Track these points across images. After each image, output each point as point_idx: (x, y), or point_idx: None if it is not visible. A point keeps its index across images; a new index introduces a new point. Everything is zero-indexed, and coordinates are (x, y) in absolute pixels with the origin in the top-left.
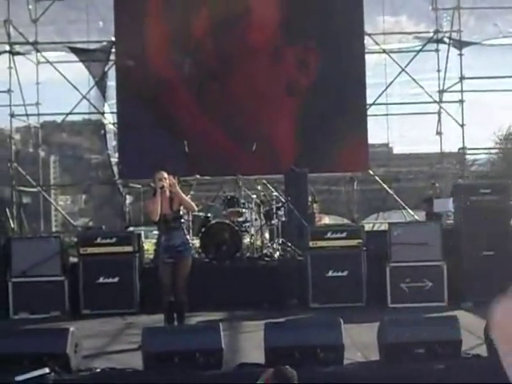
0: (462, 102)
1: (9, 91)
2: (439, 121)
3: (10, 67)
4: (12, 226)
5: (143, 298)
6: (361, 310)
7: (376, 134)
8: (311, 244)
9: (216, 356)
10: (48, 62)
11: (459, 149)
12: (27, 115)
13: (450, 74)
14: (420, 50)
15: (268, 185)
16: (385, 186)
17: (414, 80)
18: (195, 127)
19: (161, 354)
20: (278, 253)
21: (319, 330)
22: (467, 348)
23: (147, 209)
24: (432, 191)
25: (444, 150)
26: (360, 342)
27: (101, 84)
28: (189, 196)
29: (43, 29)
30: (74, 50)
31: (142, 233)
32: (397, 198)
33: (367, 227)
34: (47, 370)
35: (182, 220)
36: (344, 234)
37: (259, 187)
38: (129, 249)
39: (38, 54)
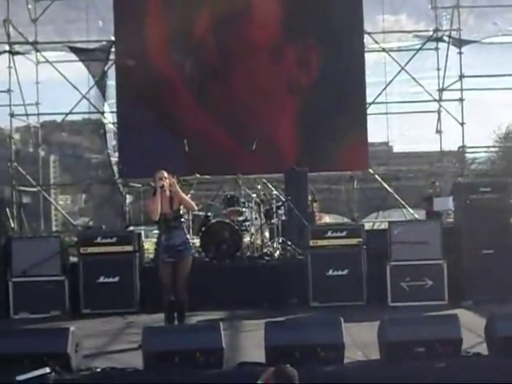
0: (461, 100)
1: (8, 91)
2: (439, 119)
3: (9, 67)
4: (12, 225)
5: (143, 297)
6: (361, 308)
7: (376, 132)
8: (311, 243)
9: (216, 355)
10: (48, 61)
11: (459, 147)
12: (27, 115)
13: (450, 73)
14: (420, 49)
15: (268, 184)
16: (385, 185)
17: (413, 79)
18: (195, 126)
19: (161, 354)
20: (278, 252)
21: (320, 328)
22: (468, 346)
23: (147, 208)
24: (432, 190)
25: (444, 149)
26: (360, 340)
27: (100, 83)
28: (189, 195)
29: (43, 28)
30: (74, 50)
31: (142, 232)
32: (397, 196)
33: (367, 226)
34: (48, 370)
35: (182, 219)
36: (344, 233)
37: (259, 186)
38: (129, 248)
39: (38, 53)
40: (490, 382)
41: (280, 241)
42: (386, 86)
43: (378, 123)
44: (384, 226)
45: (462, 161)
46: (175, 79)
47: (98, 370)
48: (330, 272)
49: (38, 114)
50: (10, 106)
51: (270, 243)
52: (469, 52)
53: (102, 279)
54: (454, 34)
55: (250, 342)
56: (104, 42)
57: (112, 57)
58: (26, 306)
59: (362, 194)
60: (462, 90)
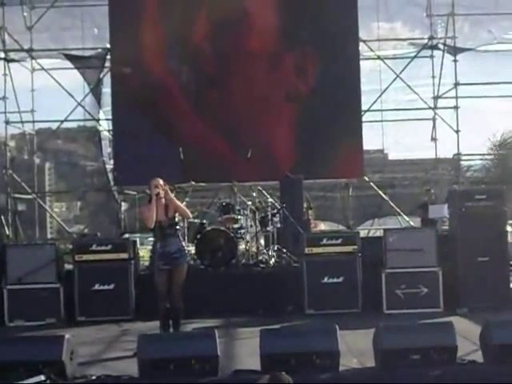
0: (456, 108)
1: (4, 98)
2: (434, 127)
3: (4, 74)
4: (7, 233)
5: (139, 304)
6: (356, 316)
7: (371, 140)
8: (307, 250)
9: (212, 363)
10: (43, 69)
11: (454, 155)
12: (22, 122)
13: (445, 80)
14: (415, 57)
15: (263, 191)
16: (380, 193)
17: (408, 86)
18: (191, 133)
19: (156, 361)
20: (273, 259)
21: (315, 336)
22: (463, 354)
23: (143, 216)
24: (427, 197)
25: (439, 156)
26: (356, 348)
27: (96, 91)
28: (184, 203)
29: (38, 36)
30: (69, 57)
31: (138, 240)
32: (392, 204)
33: (362, 233)
34: (43, 378)
35: (178, 227)
36: (339, 241)
37: (254, 194)
38: (124, 256)
39: (33, 61)
40: None
41: (275, 248)
42: (381, 93)
43: (373, 131)
44: (379, 233)
45: (457, 168)
46: (171, 86)
47: (93, 377)
48: (326, 279)
49: (34, 122)
50: (5, 113)
51: (265, 251)
52: (464, 60)
53: (97, 287)
54: (448, 41)
55: (246, 349)
56: (99, 50)
57: (107, 64)
58: (21, 313)
59: (357, 201)
60: (456, 97)
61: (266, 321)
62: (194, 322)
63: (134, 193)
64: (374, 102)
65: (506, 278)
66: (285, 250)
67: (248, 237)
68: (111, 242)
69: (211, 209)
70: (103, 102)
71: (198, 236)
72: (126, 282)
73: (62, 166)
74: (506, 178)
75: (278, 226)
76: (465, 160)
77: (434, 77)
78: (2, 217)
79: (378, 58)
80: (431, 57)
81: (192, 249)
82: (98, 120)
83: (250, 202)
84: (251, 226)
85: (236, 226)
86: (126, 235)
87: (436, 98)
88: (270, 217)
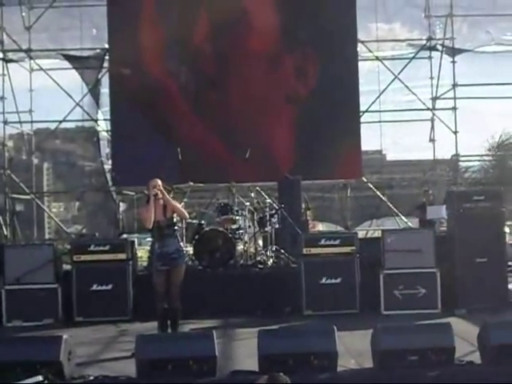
0: (454, 109)
1: (2, 98)
2: (432, 128)
3: (3, 74)
4: (5, 233)
5: (136, 305)
6: (354, 317)
7: (369, 140)
8: (305, 251)
9: (210, 363)
10: (41, 69)
11: (452, 156)
12: (20, 122)
13: (443, 81)
14: (413, 57)
15: (261, 192)
16: (378, 193)
17: (407, 87)
18: (189, 135)
19: (154, 362)
20: (271, 260)
21: (313, 337)
22: (461, 355)
23: (141, 216)
24: (425, 198)
25: (437, 157)
26: (354, 349)
27: (94, 91)
28: (182, 203)
29: (36, 36)
30: (68, 58)
31: (136, 240)
32: (390, 204)
33: (360, 234)
34: (40, 378)
35: (176, 227)
36: (337, 241)
37: (253, 194)
38: (122, 256)
39: (32, 61)
40: None
41: (273, 249)
42: (380, 94)
43: (371, 131)
44: (377, 234)
45: (456, 169)
46: (170, 87)
47: (91, 378)
48: (324, 280)
49: (32, 122)
50: (3, 113)
51: (263, 251)
52: (462, 61)
53: (95, 287)
54: (447, 42)
55: (244, 350)
56: (98, 50)
57: (106, 64)
58: (19, 313)
59: (355, 202)
60: (455, 98)
61: (264, 321)
62: (192, 323)
63: (132, 193)
64: (373, 102)
65: (504, 279)
66: (283, 251)
67: (246, 237)
68: (109, 242)
69: (209, 209)
70: (101, 102)
71: (196, 236)
72: (124, 282)
73: (60, 166)
74: (504, 179)
75: (276, 226)
76: (463, 161)
77: (432, 78)
78: (0, 217)
79: (377, 58)
80: (429, 58)
81: (190, 249)
82: (96, 120)
83: (248, 203)
84: (249, 226)
85: (234, 226)
86: (124, 236)
87: (434, 98)
88: (268, 217)
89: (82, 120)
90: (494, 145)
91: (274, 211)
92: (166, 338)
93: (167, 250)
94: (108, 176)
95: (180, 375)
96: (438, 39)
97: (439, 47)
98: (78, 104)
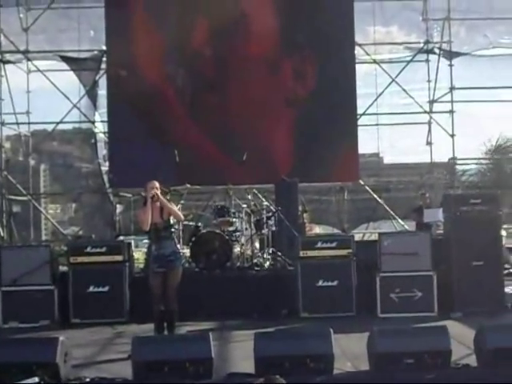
0: (452, 112)
1: None
2: (429, 131)
3: (0, 75)
4: (2, 234)
5: (133, 307)
6: (351, 319)
7: (366, 143)
8: (301, 254)
9: (206, 365)
10: (39, 70)
11: (449, 159)
12: (17, 124)
13: (441, 85)
14: (410, 61)
15: (258, 194)
16: (375, 196)
17: (404, 90)
18: (186, 137)
19: (151, 364)
20: (268, 262)
21: (309, 339)
22: (457, 358)
23: (138, 218)
24: (422, 201)
25: (434, 160)
26: (350, 351)
27: (91, 93)
28: (179, 205)
29: (34, 37)
30: (65, 59)
31: (132, 242)
32: (387, 207)
33: (357, 237)
34: (36, 380)
35: (173, 229)
36: (334, 244)
37: (250, 197)
38: (119, 258)
39: (29, 62)
40: None
41: (270, 251)
42: (377, 97)
43: (368, 134)
44: (374, 237)
45: (452, 172)
46: (167, 91)
47: (87, 379)
48: (320, 283)
49: (29, 123)
50: (0, 114)
51: (260, 254)
52: (459, 64)
53: (91, 289)
54: (444, 46)
55: (240, 352)
56: (95, 52)
57: (103, 66)
58: (16, 315)
59: (352, 205)
60: (452, 101)
61: (260, 324)
62: (189, 325)
63: (129, 195)
64: (370, 105)
65: (501, 283)
66: (280, 253)
67: (243, 240)
68: (106, 244)
69: (206, 211)
70: (99, 104)
71: (193, 239)
72: (121, 284)
73: (57, 167)
74: (501, 183)
75: (273, 229)
76: (460, 164)
77: (429, 81)
78: None
79: (374, 61)
80: (427, 61)
81: (187, 251)
82: (93, 122)
83: (245, 205)
84: (246, 228)
85: (231, 228)
86: (121, 237)
87: (431, 102)
88: (265, 220)
89: (79, 122)
90: (491, 148)
91: (270, 214)
92: (163, 339)
93: (164, 252)
94: (105, 178)
95: (176, 377)
96: (436, 42)
97: (436, 50)
98: (75, 106)
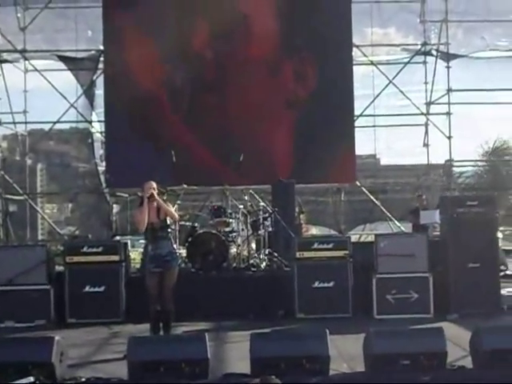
0: (449, 114)
1: None
2: (426, 133)
3: None
4: None
5: (129, 307)
6: (347, 320)
7: (363, 145)
8: (298, 255)
9: (202, 366)
10: (36, 70)
11: (446, 161)
12: (14, 123)
13: (438, 87)
14: (408, 62)
15: (255, 195)
16: (372, 198)
17: (401, 92)
18: (183, 138)
19: (146, 364)
20: (264, 263)
21: (305, 340)
22: (453, 360)
23: (135, 219)
24: (418, 203)
25: (431, 162)
26: (346, 353)
27: (89, 93)
28: (175, 206)
29: (31, 37)
30: (62, 59)
31: (129, 242)
32: (383, 209)
33: (354, 238)
34: (32, 379)
35: (169, 229)
36: (331, 245)
37: (246, 197)
38: (115, 258)
39: (26, 61)
40: None
41: (266, 252)
42: (374, 98)
43: (365, 136)
44: (370, 238)
45: (449, 174)
46: (165, 91)
47: (83, 379)
48: (316, 284)
49: (26, 123)
50: None
51: (256, 254)
52: (457, 66)
53: (87, 289)
54: (442, 48)
55: (236, 353)
56: (93, 52)
57: (100, 66)
58: (11, 314)
59: (348, 206)
60: (449, 103)
61: (256, 324)
62: (185, 325)
63: (126, 195)
64: (367, 107)
65: (497, 285)
66: (276, 254)
67: (239, 240)
68: (102, 244)
69: (203, 212)
70: (96, 103)
71: (190, 239)
72: (117, 284)
73: (54, 167)
74: (498, 185)
75: (270, 229)
76: (457, 166)
77: (426, 83)
78: None
79: (371, 63)
80: (424, 63)
81: (183, 252)
82: (90, 122)
83: (241, 206)
84: (243, 229)
85: (227, 229)
86: (117, 237)
87: (428, 103)
88: (261, 221)
89: (76, 121)
90: (488, 150)
91: (267, 214)
92: (159, 340)
93: (160, 252)
94: (102, 178)
95: (172, 377)
96: (433, 44)
97: (434, 52)
98: (72, 105)
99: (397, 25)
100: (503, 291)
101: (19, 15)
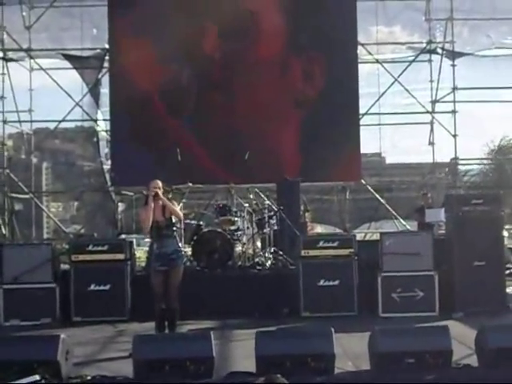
0: (454, 112)
1: (2, 97)
2: (432, 131)
3: (3, 73)
4: (4, 232)
5: (134, 305)
6: (352, 319)
7: (368, 143)
8: (303, 253)
9: (207, 364)
10: (41, 68)
11: (451, 159)
12: (20, 122)
13: (443, 85)
14: (413, 61)
15: (260, 193)
16: (377, 196)
17: (406, 90)
18: (189, 136)
19: (151, 362)
20: (269, 261)
21: (310, 339)
22: (458, 358)
23: (140, 217)
24: (424, 201)
25: (436, 160)
26: (351, 351)
27: (94, 91)
28: (181, 204)
29: (37, 35)
30: (68, 57)
31: (134, 240)
32: (389, 207)
33: (359, 237)
34: (37, 377)
35: (175, 228)
36: (336, 244)
37: (251, 196)
38: (120, 256)
39: (32, 60)
40: None
41: (272, 250)
42: (379, 97)
43: (370, 134)
44: (376, 236)
45: (455, 173)
46: (170, 91)
47: (88, 378)
48: (322, 282)
49: (31, 121)
50: (2, 112)
51: (261, 253)
52: (462, 64)
53: (93, 287)
54: (447, 46)
55: (241, 351)
56: (98, 50)
57: (106, 65)
58: (17, 313)
59: (354, 204)
60: (454, 102)
61: (261, 323)
62: (190, 324)
63: (131, 193)
64: (372, 105)
65: (502, 283)
66: (281, 253)
67: (244, 239)
68: (108, 242)
69: (208, 210)
70: (101, 102)
71: (195, 237)
72: (122, 282)
73: (60, 165)
74: (503, 183)
75: (275, 228)
76: (462, 164)
77: (432, 81)
78: None
79: (377, 61)
80: (429, 61)
81: (188, 250)
82: (95, 120)
83: (246, 204)
84: (248, 227)
85: (233, 227)
86: (123, 236)
87: (434, 102)
88: (266, 219)
89: (82, 120)
90: (493, 148)
91: (272, 213)
92: (164, 338)
93: (166, 251)
94: (107, 176)
95: (177, 376)
96: (438, 42)
97: (439, 50)
98: (77, 104)
99: (402, 23)
100: (509, 289)
101: (24, 14)
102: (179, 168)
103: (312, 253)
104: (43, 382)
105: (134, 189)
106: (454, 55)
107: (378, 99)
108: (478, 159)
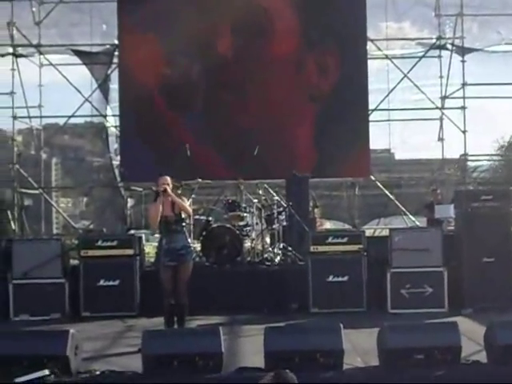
0: (464, 108)
1: (11, 93)
2: (441, 127)
3: (12, 69)
4: (13, 227)
5: (143, 301)
6: (361, 315)
7: (378, 139)
8: (312, 249)
9: (216, 360)
10: (51, 64)
11: (461, 155)
12: (29, 117)
13: (453, 81)
14: (422, 56)
15: (269, 189)
16: (386, 192)
17: (416, 86)
18: (199, 132)
19: (160, 357)
20: (278, 257)
21: (319, 334)
22: (467, 354)
23: (148, 213)
24: (433, 197)
25: (446, 157)
26: (360, 347)
27: (103, 87)
28: (190, 200)
29: (46, 31)
30: (77, 53)
31: (143, 236)
32: (398, 203)
33: (368, 233)
34: (47, 372)
35: (184, 223)
36: (345, 240)
37: (260, 191)
38: (130, 252)
39: (41, 56)
40: None
41: (281, 246)
42: (389, 93)
43: (380, 130)
44: (385, 232)
45: (464, 169)
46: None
47: (97, 372)
48: (331, 278)
49: (41, 117)
50: (12, 108)
51: (270, 249)
52: (472, 60)
53: (102, 282)
54: (457, 42)
55: (250, 346)
56: (107, 46)
57: (115, 60)
58: (26, 308)
59: (363, 200)
60: (464, 97)
61: (270, 318)
62: (199, 319)
63: (141, 189)
64: (382, 101)
65: (511, 279)
66: (290, 248)
67: (253, 234)
68: (117, 237)
69: (217, 206)
70: (111, 98)
71: (204, 233)
72: (132, 278)
73: (69, 161)
74: None
75: (284, 224)
76: (471, 160)
77: (441, 77)
78: (9, 211)
79: (386, 57)
80: (439, 57)
81: (197, 246)
82: (105, 116)
83: (256, 200)
84: (257, 223)
85: (242, 223)
86: (132, 231)
87: (443, 98)
88: (275, 215)
89: (91, 115)
90: (503, 144)
91: (281, 209)
92: (173, 333)
93: (175, 246)
94: (116, 172)
95: (186, 371)
96: (448, 38)
97: (449, 46)
98: (87, 99)
99: (412, 19)
100: None
101: (34, 9)
102: (188, 164)
103: (321, 249)
104: (52, 376)
105: (143, 184)
106: (463, 51)
107: (388, 95)
108: (487, 155)
